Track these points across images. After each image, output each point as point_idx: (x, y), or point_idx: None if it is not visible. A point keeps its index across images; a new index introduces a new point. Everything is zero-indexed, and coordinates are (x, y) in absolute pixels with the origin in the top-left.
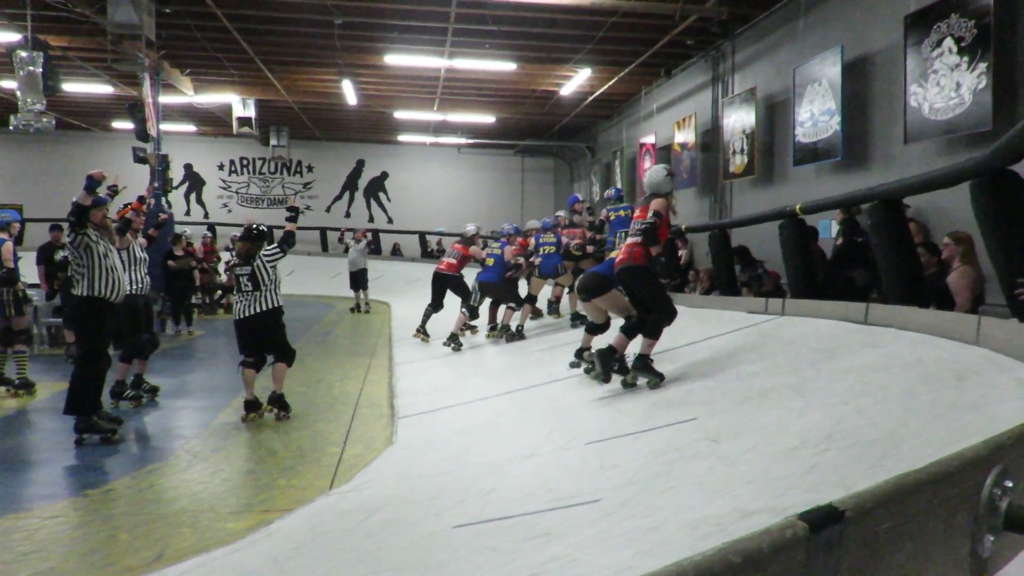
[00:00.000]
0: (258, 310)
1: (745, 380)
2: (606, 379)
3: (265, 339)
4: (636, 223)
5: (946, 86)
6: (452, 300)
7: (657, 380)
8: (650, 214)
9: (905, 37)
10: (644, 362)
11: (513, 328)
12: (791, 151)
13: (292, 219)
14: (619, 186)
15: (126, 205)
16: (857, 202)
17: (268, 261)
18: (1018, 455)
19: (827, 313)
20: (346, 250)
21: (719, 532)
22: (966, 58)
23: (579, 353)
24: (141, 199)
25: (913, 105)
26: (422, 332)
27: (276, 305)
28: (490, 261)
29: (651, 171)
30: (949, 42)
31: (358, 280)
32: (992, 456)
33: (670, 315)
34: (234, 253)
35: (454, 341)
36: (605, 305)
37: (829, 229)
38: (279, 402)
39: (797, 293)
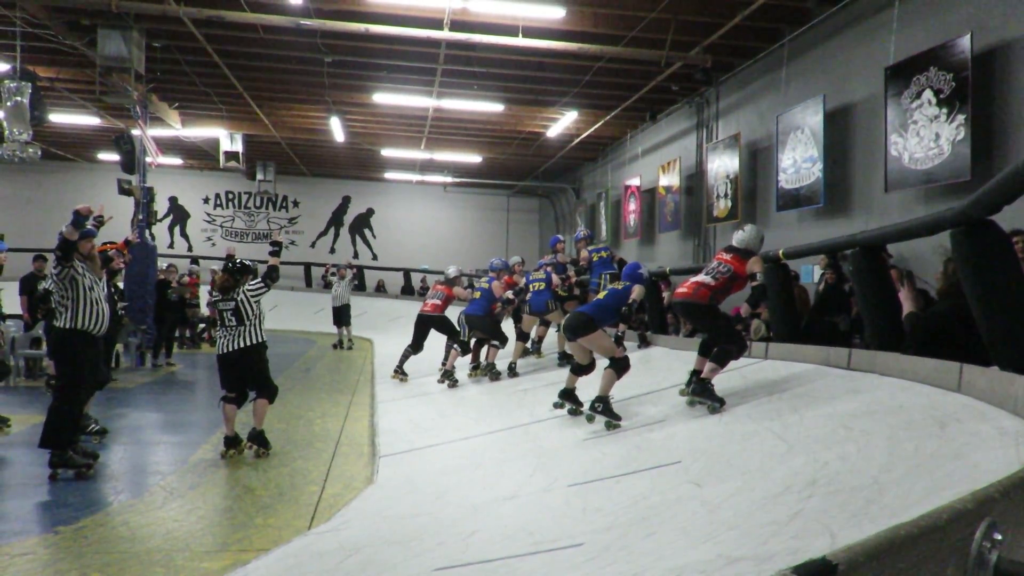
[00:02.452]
0: (241, 345)
1: (728, 424)
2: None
3: (248, 375)
4: (722, 267)
5: (925, 136)
6: (433, 340)
7: (717, 405)
8: (757, 274)
9: (885, 88)
10: (705, 386)
11: (505, 367)
12: (774, 196)
13: (275, 253)
14: (590, 230)
15: (107, 243)
16: (839, 248)
17: (252, 296)
18: (1005, 508)
19: (810, 357)
20: (327, 286)
21: None
22: (945, 110)
23: (563, 394)
24: (127, 242)
25: (893, 154)
26: (400, 373)
27: (260, 340)
28: (477, 295)
29: (750, 229)
30: (928, 94)
31: (341, 316)
32: (980, 509)
33: (740, 346)
34: (214, 286)
35: (448, 377)
36: (590, 345)
37: (812, 274)
38: (259, 439)
39: (780, 337)
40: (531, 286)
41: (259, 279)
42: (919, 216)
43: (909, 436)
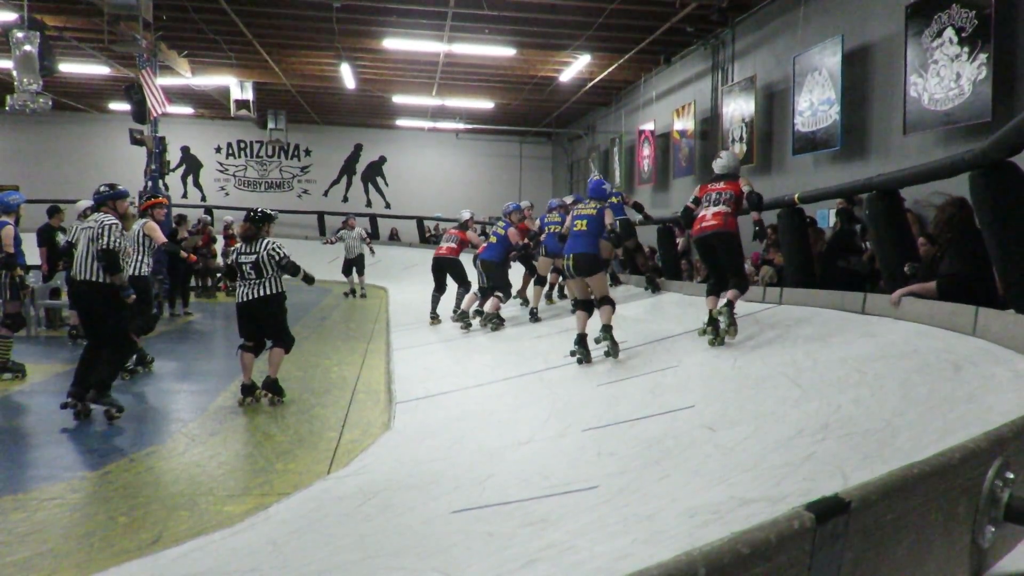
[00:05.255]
0: (261, 294)
1: (742, 368)
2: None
3: (265, 324)
4: (724, 194)
5: (946, 77)
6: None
7: (735, 330)
8: (747, 188)
9: (906, 27)
10: (732, 310)
11: (528, 310)
12: (790, 140)
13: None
14: (603, 176)
15: (151, 197)
16: (856, 192)
17: (274, 254)
18: (1019, 447)
19: (824, 302)
20: (333, 242)
21: (717, 520)
22: (966, 49)
23: (579, 340)
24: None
25: (912, 95)
26: (435, 317)
27: (279, 291)
28: (492, 239)
29: (727, 155)
30: (950, 32)
31: (353, 265)
32: (993, 448)
33: (747, 282)
34: (237, 235)
35: (463, 319)
36: (593, 284)
37: (827, 218)
38: (273, 387)
39: (795, 282)
40: (547, 228)
41: (281, 256)
42: (938, 159)
43: (923, 379)
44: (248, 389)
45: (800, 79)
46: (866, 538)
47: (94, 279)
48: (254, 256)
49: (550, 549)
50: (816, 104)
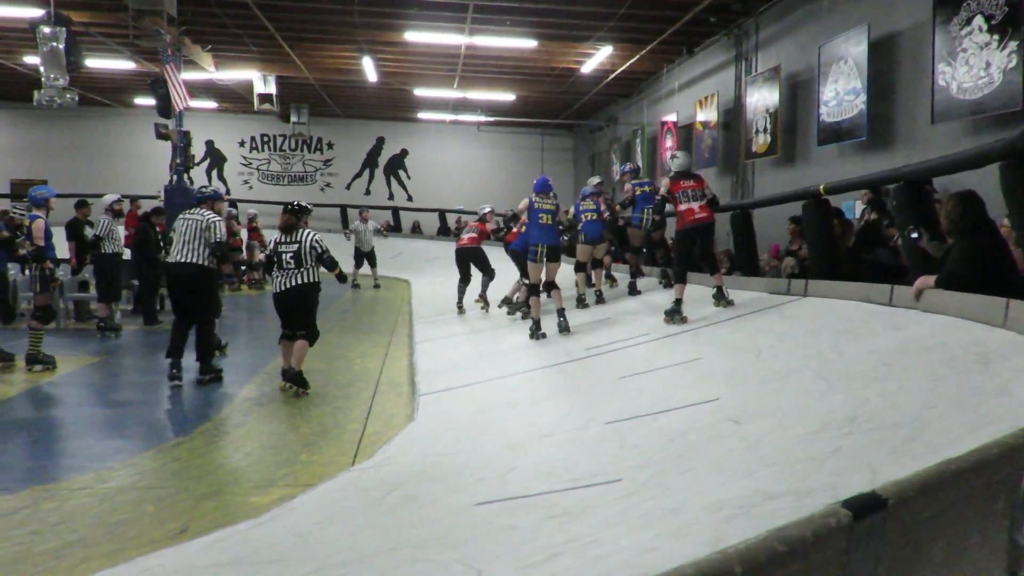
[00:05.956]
0: (299, 282)
1: (766, 361)
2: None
3: (298, 313)
4: (698, 191)
5: (975, 65)
6: (478, 274)
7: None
8: (710, 193)
9: (933, 15)
10: (723, 291)
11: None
12: (815, 131)
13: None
14: (637, 164)
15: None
16: (883, 183)
17: (315, 246)
18: None
19: (850, 294)
20: (349, 238)
21: (743, 514)
22: (996, 36)
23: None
24: None
25: (941, 84)
26: (460, 308)
27: (315, 280)
28: (522, 229)
29: (684, 155)
30: (979, 20)
31: (365, 257)
32: None
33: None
34: (255, 236)
35: (508, 304)
36: (553, 269)
37: (853, 210)
38: (297, 379)
39: (819, 274)
40: (583, 216)
41: (324, 250)
42: (967, 148)
43: (951, 372)
44: (286, 374)
45: (825, 69)
46: (903, 535)
47: (198, 262)
48: (295, 246)
49: (574, 542)
50: (842, 94)
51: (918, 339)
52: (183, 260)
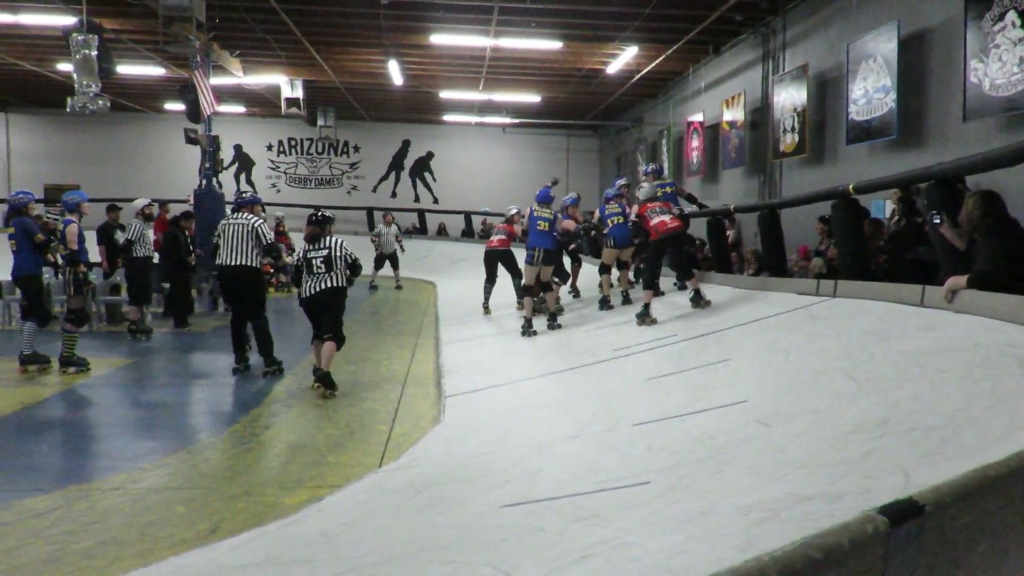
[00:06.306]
0: (329, 285)
1: (795, 363)
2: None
3: (326, 315)
4: (667, 209)
5: (1008, 61)
6: (505, 275)
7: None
8: (677, 210)
9: (965, 10)
10: (700, 294)
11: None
12: (844, 129)
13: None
14: (659, 165)
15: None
16: (914, 181)
17: (344, 250)
18: None
19: (880, 295)
20: (375, 242)
21: (773, 518)
22: None
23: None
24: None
25: (973, 81)
26: (487, 308)
27: (343, 284)
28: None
29: (648, 185)
30: (1012, 15)
31: (387, 259)
32: None
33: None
34: (303, 237)
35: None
36: (546, 272)
37: (882, 209)
38: (325, 380)
39: (849, 274)
40: (609, 220)
41: (354, 259)
42: (999, 146)
43: (986, 374)
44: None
45: (854, 67)
46: (941, 542)
47: (249, 263)
48: (325, 251)
49: (602, 545)
50: (871, 92)
51: (951, 340)
52: (234, 263)
